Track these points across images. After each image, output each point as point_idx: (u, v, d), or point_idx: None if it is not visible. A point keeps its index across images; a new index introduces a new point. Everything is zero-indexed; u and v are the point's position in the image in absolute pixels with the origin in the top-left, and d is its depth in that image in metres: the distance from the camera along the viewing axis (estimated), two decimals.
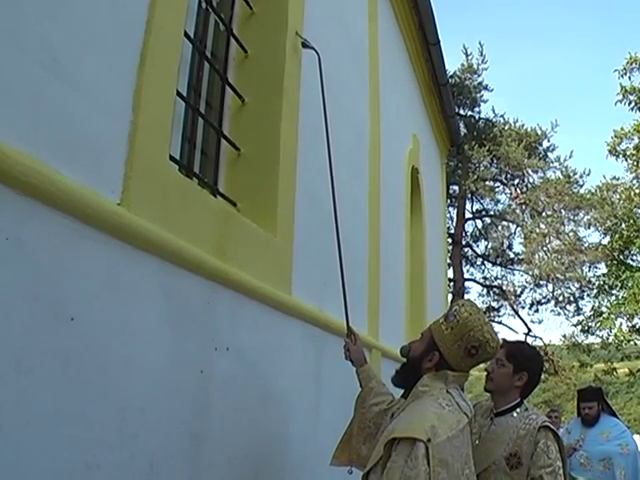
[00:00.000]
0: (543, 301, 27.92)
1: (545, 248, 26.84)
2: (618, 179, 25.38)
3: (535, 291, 28.04)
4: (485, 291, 29.23)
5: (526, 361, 4.29)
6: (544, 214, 26.82)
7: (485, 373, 4.39)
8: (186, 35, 3.96)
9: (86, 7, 2.82)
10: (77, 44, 2.75)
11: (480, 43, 28.80)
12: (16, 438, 2.32)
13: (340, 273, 4.53)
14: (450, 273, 25.72)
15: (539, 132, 27.30)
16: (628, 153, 24.07)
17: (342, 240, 5.49)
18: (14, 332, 2.34)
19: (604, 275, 26.16)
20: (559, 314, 27.70)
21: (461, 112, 27.06)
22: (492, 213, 28.71)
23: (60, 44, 2.65)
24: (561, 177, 26.73)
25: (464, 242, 28.69)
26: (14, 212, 2.38)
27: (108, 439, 2.80)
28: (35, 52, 2.51)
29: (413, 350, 3.63)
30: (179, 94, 3.86)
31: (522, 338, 27.86)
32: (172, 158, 3.65)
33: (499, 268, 28.92)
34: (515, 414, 4.20)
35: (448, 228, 24.45)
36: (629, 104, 23.70)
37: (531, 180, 27.64)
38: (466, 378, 3.56)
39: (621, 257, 25.35)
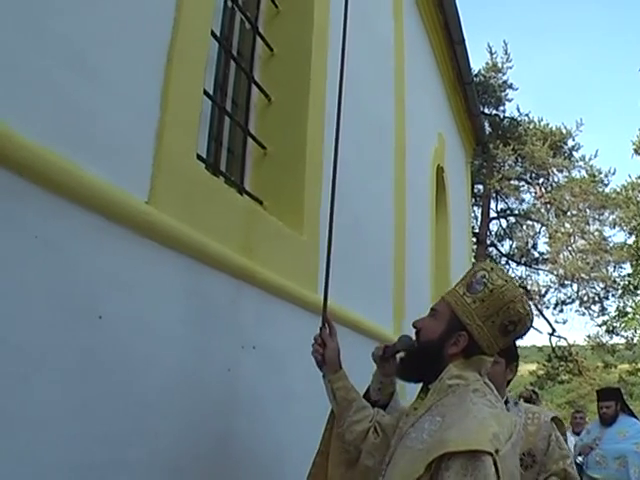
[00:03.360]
0: (568, 301, 27.83)
1: (570, 248, 26.78)
2: None
3: (560, 291, 27.98)
4: None
5: (514, 350, 4.06)
6: (569, 213, 26.75)
7: None
8: (212, 34, 3.96)
9: (113, 6, 2.84)
10: (104, 43, 2.77)
11: (504, 42, 28.66)
12: (41, 434, 2.34)
13: (327, 245, 3.83)
14: None
15: (564, 131, 27.24)
16: None
17: (366, 240, 5.49)
18: (42, 329, 2.36)
19: (629, 275, 26.01)
20: (584, 314, 27.64)
21: (486, 111, 26.99)
22: (517, 212, 28.64)
23: (87, 42, 2.66)
24: (586, 176, 26.66)
25: (489, 241, 28.61)
26: (43, 210, 2.40)
27: (133, 436, 2.82)
28: (61, 51, 2.53)
29: (428, 332, 2.86)
30: (206, 93, 3.86)
31: (547, 338, 27.86)
32: (199, 156, 3.65)
33: (524, 268, 28.85)
34: (508, 409, 3.73)
35: (473, 227, 24.38)
36: None
37: (556, 179, 27.60)
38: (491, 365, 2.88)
39: None
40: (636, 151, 24.47)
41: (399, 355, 3.08)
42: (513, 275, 28.81)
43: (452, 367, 2.70)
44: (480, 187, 27.76)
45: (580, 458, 8.67)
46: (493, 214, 28.87)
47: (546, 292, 28.11)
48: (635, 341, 25.88)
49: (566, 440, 4.08)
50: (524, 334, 2.87)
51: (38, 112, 2.41)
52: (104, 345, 2.66)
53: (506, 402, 3.89)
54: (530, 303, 2.82)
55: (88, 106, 2.65)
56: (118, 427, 2.73)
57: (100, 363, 2.63)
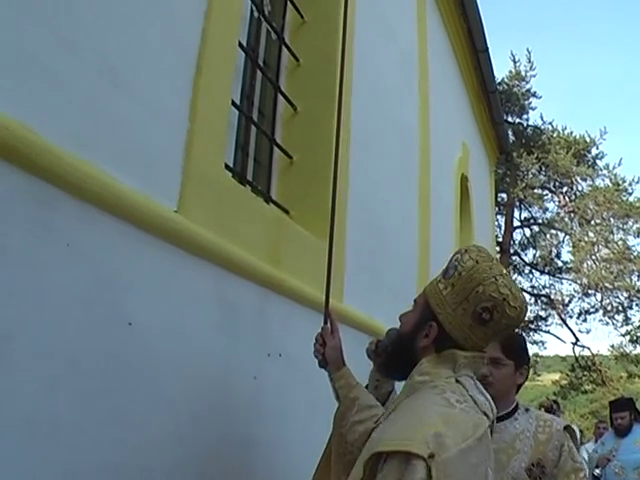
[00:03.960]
0: (591, 310, 27.58)
1: (594, 257, 26.58)
2: None
3: (583, 300, 27.75)
4: (533, 300, 28.93)
5: (524, 352, 3.74)
6: (593, 222, 26.56)
7: None
8: (239, 44, 3.99)
9: (143, 18, 2.89)
10: (135, 54, 2.82)
11: (528, 50, 28.52)
12: (72, 439, 2.38)
13: (329, 239, 3.65)
14: None
15: (588, 139, 27.03)
16: None
17: (391, 248, 5.49)
18: (73, 336, 2.40)
19: None
20: (607, 324, 27.37)
21: (509, 119, 26.88)
22: (540, 221, 28.48)
23: (118, 54, 2.71)
24: (610, 185, 26.44)
25: (512, 250, 28.43)
26: (74, 218, 2.44)
27: (161, 443, 2.84)
28: (93, 62, 2.57)
29: (404, 324, 2.66)
30: (233, 103, 3.89)
31: (570, 348, 27.69)
32: (226, 166, 3.69)
33: (547, 277, 28.64)
34: (518, 416, 3.59)
35: (496, 236, 24.29)
36: None
37: (580, 188, 27.40)
38: (483, 361, 2.54)
39: None
40: None
41: None
42: (536, 284, 28.70)
43: (424, 362, 2.43)
44: (504, 196, 27.64)
45: (597, 470, 8.69)
46: (517, 223, 28.71)
47: (570, 301, 27.92)
48: None
49: (579, 450, 3.82)
50: (511, 324, 2.46)
51: (72, 122, 2.46)
52: (133, 351, 2.69)
53: (515, 408, 3.63)
54: (511, 284, 2.43)
55: (120, 116, 2.70)
56: (148, 433, 2.76)
57: (130, 369, 2.67)
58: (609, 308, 26.96)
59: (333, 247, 4.36)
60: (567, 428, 3.57)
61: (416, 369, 2.42)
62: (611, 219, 26.35)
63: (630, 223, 26.20)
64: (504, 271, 2.45)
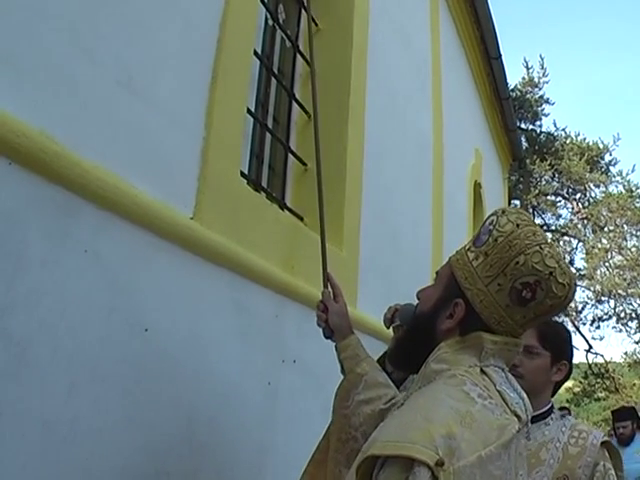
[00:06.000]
0: (604, 317, 27.38)
1: (607, 264, 26.42)
2: None
3: (596, 307, 27.54)
4: None
5: (566, 345, 3.14)
6: (606, 229, 26.41)
7: None
8: (254, 52, 4.01)
9: (160, 27, 2.91)
10: (152, 63, 2.84)
11: (541, 56, 28.34)
12: (89, 443, 2.39)
13: (318, 196, 3.49)
14: None
15: (601, 146, 26.87)
16: None
17: (405, 255, 5.49)
18: (90, 342, 2.41)
19: None
20: (621, 331, 27.15)
21: (522, 126, 26.79)
22: (553, 228, 28.36)
23: (135, 63, 2.74)
24: (623, 191, 26.28)
25: None
26: (93, 225, 2.46)
27: (178, 448, 2.86)
28: (112, 70, 2.60)
29: (423, 302, 2.17)
30: (248, 110, 3.91)
31: (583, 355, 27.54)
32: (241, 173, 3.70)
33: None
34: (550, 421, 3.01)
35: None
36: None
37: (593, 195, 27.25)
38: (517, 350, 2.03)
39: None
40: None
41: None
42: None
43: (443, 346, 1.98)
44: (517, 202, 27.51)
45: None
46: None
47: (583, 308, 27.72)
48: None
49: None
50: (556, 306, 2.00)
51: (90, 130, 2.48)
52: (150, 357, 2.71)
53: (549, 411, 3.04)
54: (559, 255, 2.02)
55: (137, 124, 2.72)
56: (165, 438, 2.78)
57: (146, 375, 2.68)
58: (622, 315, 26.79)
59: (345, 254, 4.41)
60: (605, 444, 2.98)
61: (432, 356, 1.98)
62: (624, 226, 26.19)
63: None
64: (549, 240, 2.01)
